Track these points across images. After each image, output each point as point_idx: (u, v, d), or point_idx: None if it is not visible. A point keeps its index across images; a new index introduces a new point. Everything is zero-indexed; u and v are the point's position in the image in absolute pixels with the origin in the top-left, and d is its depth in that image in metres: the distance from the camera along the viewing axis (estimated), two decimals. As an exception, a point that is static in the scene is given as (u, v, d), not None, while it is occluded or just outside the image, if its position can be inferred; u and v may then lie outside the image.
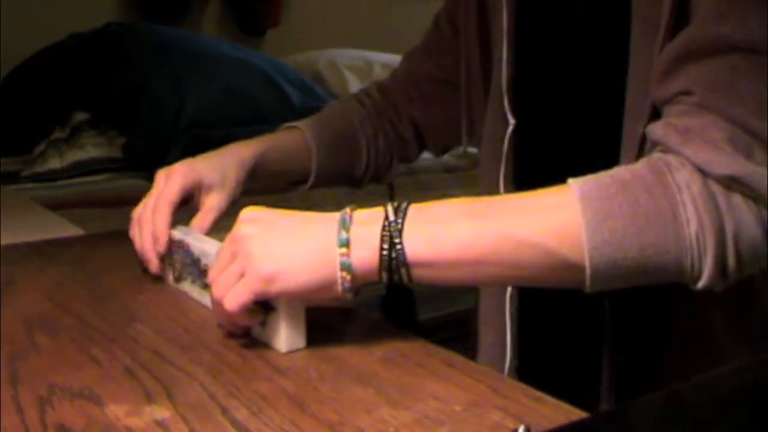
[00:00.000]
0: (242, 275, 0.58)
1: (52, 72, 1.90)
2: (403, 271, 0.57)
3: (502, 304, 0.79)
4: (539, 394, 0.53)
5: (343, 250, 0.57)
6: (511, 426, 0.48)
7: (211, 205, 0.83)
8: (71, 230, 1.05)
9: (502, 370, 0.79)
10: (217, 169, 0.84)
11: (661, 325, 0.72)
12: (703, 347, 0.72)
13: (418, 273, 0.58)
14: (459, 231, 0.57)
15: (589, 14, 0.75)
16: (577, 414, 0.50)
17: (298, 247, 0.58)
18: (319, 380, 0.55)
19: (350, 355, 0.60)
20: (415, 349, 0.61)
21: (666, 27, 0.61)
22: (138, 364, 0.58)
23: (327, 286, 0.58)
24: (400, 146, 0.99)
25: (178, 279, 0.76)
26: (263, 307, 0.61)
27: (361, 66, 2.39)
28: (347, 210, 0.59)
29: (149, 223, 0.79)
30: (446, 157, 1.97)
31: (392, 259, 0.57)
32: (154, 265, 0.78)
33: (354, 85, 2.30)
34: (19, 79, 1.99)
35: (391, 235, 0.57)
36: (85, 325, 0.67)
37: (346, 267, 0.57)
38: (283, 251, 0.58)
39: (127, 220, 0.85)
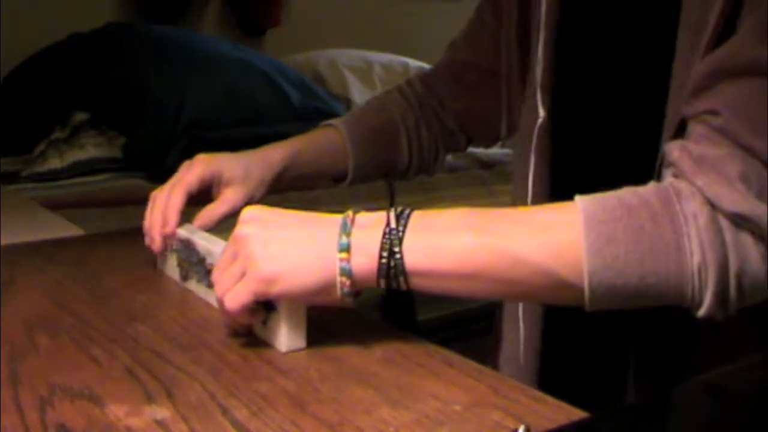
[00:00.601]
0: (243, 275, 0.58)
1: (52, 72, 1.90)
2: (401, 279, 0.57)
3: (525, 314, 0.78)
4: (539, 394, 0.53)
5: (343, 255, 0.57)
6: (511, 426, 0.48)
7: (227, 198, 0.82)
8: (71, 230, 1.05)
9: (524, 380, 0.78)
10: (242, 164, 0.83)
11: (683, 334, 0.71)
12: (726, 354, 0.71)
13: (416, 282, 0.58)
14: (458, 243, 0.57)
15: (635, 12, 0.73)
16: (577, 414, 0.50)
17: (299, 249, 0.58)
18: (319, 380, 0.56)
19: (350, 355, 0.60)
20: (415, 349, 0.61)
21: (709, 39, 0.60)
22: (138, 364, 0.58)
23: (326, 289, 0.58)
24: (445, 137, 0.97)
25: (185, 278, 0.76)
26: (264, 306, 0.61)
27: (361, 66, 2.39)
28: (349, 213, 0.59)
29: (162, 204, 0.79)
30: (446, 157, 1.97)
31: (391, 268, 0.57)
32: (156, 244, 0.78)
33: (354, 85, 2.30)
34: (19, 79, 1.99)
35: (391, 243, 0.57)
36: (85, 325, 0.67)
37: (345, 272, 0.57)
38: (283, 252, 0.58)
39: (127, 220, 0.85)
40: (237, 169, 0.82)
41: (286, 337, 0.60)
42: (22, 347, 0.62)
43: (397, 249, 0.57)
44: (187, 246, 0.75)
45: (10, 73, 2.02)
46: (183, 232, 0.76)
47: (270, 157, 0.85)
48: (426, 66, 2.51)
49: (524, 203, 0.77)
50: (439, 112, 0.96)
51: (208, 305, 0.71)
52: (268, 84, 1.82)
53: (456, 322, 1.80)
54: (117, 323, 0.67)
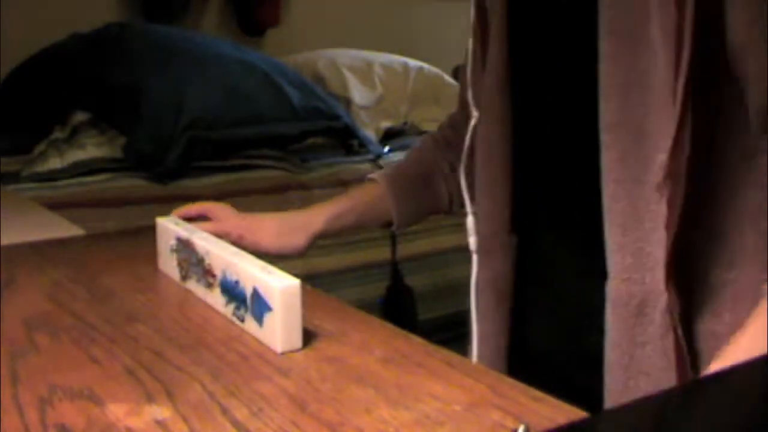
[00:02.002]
0: None
1: (52, 72, 1.90)
2: None
3: (495, 314, 0.80)
4: (539, 394, 0.53)
5: None
6: (511, 426, 0.48)
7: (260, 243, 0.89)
8: (71, 230, 1.05)
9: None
10: (279, 240, 0.90)
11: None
12: None
13: None
14: None
15: (559, 19, 0.76)
16: (577, 414, 0.50)
17: None
18: (319, 380, 0.56)
19: (350, 355, 0.60)
20: (415, 349, 0.61)
21: (679, 47, 0.60)
22: (138, 364, 0.58)
23: None
24: None
25: (185, 278, 0.76)
26: (262, 307, 0.61)
27: (361, 66, 2.39)
28: None
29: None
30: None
31: None
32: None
33: (354, 85, 2.30)
34: (19, 79, 1.99)
35: None
36: (85, 325, 0.67)
37: None
38: None
39: (127, 220, 0.85)
40: (273, 243, 0.89)
41: (282, 338, 0.60)
42: (22, 347, 0.62)
43: None
44: (187, 246, 0.75)
45: (10, 73, 2.02)
46: (183, 233, 0.76)
47: (312, 226, 0.92)
48: (426, 66, 2.51)
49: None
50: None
51: (208, 305, 0.71)
52: (268, 84, 1.82)
53: (456, 322, 1.80)
54: (117, 323, 0.67)
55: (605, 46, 0.66)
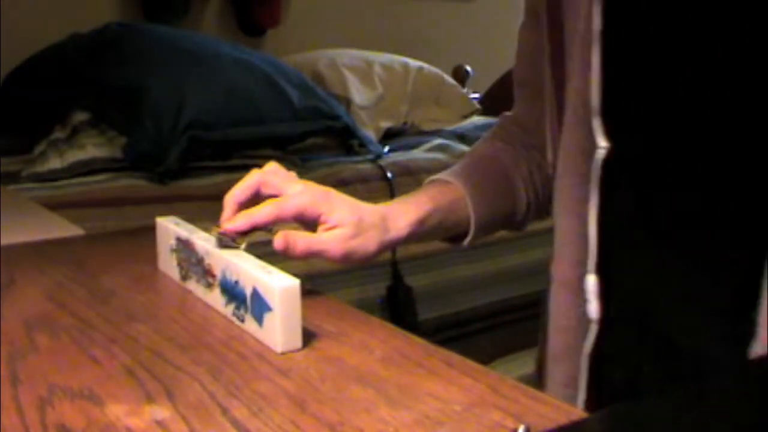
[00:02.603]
0: None
1: (52, 72, 1.90)
2: None
3: (578, 345, 0.70)
4: (539, 394, 0.53)
5: None
6: (511, 426, 0.48)
7: (323, 239, 0.70)
8: (71, 230, 1.05)
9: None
10: (358, 215, 0.72)
11: None
12: None
13: None
14: None
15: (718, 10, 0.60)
16: (577, 414, 0.50)
17: None
18: (319, 380, 0.56)
19: (350, 355, 0.60)
20: (415, 349, 0.61)
21: None
22: (138, 364, 0.58)
23: None
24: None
25: (185, 278, 0.76)
26: (261, 306, 0.61)
27: (361, 66, 2.39)
28: None
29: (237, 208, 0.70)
30: (444, 157, 1.98)
31: None
32: (222, 216, 0.70)
33: (354, 85, 2.30)
34: (19, 79, 1.99)
35: None
36: (85, 325, 0.67)
37: None
38: None
39: (127, 220, 0.85)
40: (344, 224, 0.71)
41: (281, 338, 0.60)
42: (22, 347, 0.62)
43: None
44: (187, 246, 0.75)
45: (10, 73, 2.02)
46: (182, 232, 0.76)
47: (389, 231, 0.74)
48: (426, 66, 2.52)
49: (581, 239, 0.69)
50: (545, 149, 0.86)
51: (208, 305, 0.71)
52: (268, 84, 1.82)
53: (456, 322, 1.80)
54: (117, 323, 0.67)
55: None
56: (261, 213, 0.68)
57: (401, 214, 0.76)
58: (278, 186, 0.71)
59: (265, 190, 0.71)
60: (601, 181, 0.67)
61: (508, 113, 0.93)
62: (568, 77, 0.72)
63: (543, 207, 0.88)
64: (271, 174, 0.71)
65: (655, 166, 0.66)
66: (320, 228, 0.71)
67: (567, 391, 0.72)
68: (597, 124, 0.66)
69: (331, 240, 0.70)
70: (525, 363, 1.86)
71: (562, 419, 0.49)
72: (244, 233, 0.68)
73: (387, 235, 0.74)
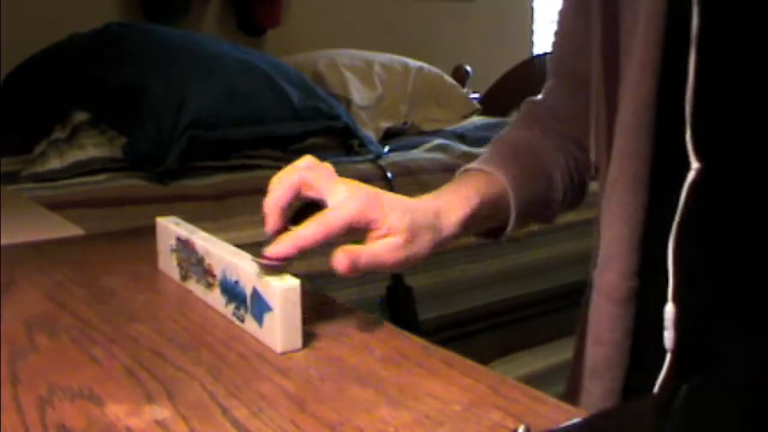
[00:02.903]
0: None
1: (52, 72, 1.90)
2: None
3: (620, 360, 0.68)
4: (539, 394, 0.53)
5: None
6: (511, 426, 0.48)
7: (378, 250, 0.64)
8: (71, 230, 1.05)
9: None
10: (410, 225, 0.65)
11: None
12: None
13: None
14: None
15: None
16: (577, 414, 0.50)
17: None
18: (319, 380, 0.56)
19: (350, 355, 0.60)
20: (415, 349, 0.61)
21: None
22: (138, 364, 0.58)
23: None
24: (588, 167, 0.84)
25: (185, 278, 0.76)
26: (262, 306, 0.61)
27: (361, 66, 2.39)
28: None
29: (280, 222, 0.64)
30: (445, 157, 1.98)
31: None
32: (266, 227, 0.64)
33: (354, 85, 2.30)
34: (19, 79, 1.99)
35: None
36: (85, 325, 0.67)
37: None
38: None
39: (127, 220, 0.84)
40: (399, 229, 0.65)
41: (281, 338, 0.60)
42: (22, 347, 0.62)
43: None
44: (187, 246, 0.75)
45: (10, 73, 2.02)
46: (182, 232, 0.76)
47: (442, 229, 0.69)
48: (426, 66, 2.52)
49: (631, 249, 0.66)
50: (578, 141, 0.84)
51: (208, 305, 0.71)
52: (268, 84, 1.82)
53: (456, 322, 1.80)
54: (117, 323, 0.67)
55: None
56: (307, 235, 0.61)
57: (452, 211, 0.70)
58: (320, 187, 0.64)
59: (306, 192, 0.64)
60: (686, 203, 0.62)
61: (534, 99, 0.89)
62: (622, 76, 0.68)
63: (575, 201, 0.86)
64: (311, 171, 0.65)
65: (745, 189, 0.62)
66: (371, 235, 0.65)
67: (605, 405, 0.69)
68: (689, 140, 0.61)
69: (386, 251, 0.64)
70: (525, 363, 1.87)
71: (562, 419, 0.49)
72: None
73: (440, 235, 0.69)
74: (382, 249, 0.64)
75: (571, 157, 0.84)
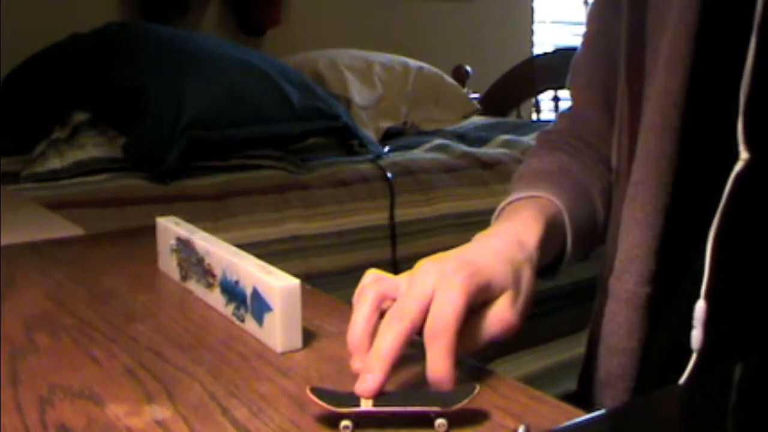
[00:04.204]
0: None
1: (52, 72, 1.90)
2: None
3: (636, 368, 0.66)
4: (539, 394, 0.53)
5: None
6: (511, 426, 0.48)
7: (503, 316, 0.56)
8: (71, 230, 1.05)
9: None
10: (509, 273, 0.58)
11: None
12: None
13: None
14: None
15: None
16: (577, 414, 0.50)
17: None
18: (319, 380, 0.56)
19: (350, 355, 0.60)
20: (416, 349, 0.61)
21: None
22: (138, 364, 0.58)
23: None
24: None
25: (185, 278, 0.76)
26: (263, 307, 0.61)
27: (361, 66, 2.39)
28: None
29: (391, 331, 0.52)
30: (445, 157, 1.98)
31: None
32: (355, 365, 0.53)
33: (354, 85, 2.30)
34: (19, 79, 1.99)
35: None
36: (85, 325, 0.67)
37: None
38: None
39: (127, 220, 0.84)
40: (505, 269, 0.58)
41: (281, 338, 0.60)
42: (22, 347, 0.62)
43: None
44: (187, 246, 0.75)
45: (10, 73, 2.02)
46: (182, 232, 0.76)
47: (527, 247, 0.63)
48: (426, 66, 2.52)
49: (652, 254, 0.65)
50: (610, 161, 0.81)
51: (208, 305, 0.71)
52: (268, 84, 1.82)
53: (456, 322, 1.80)
54: (117, 323, 0.67)
55: None
56: (393, 350, 0.51)
57: (527, 234, 0.64)
58: (396, 290, 0.58)
59: (386, 306, 0.56)
60: (729, 197, 0.59)
61: (549, 128, 0.87)
62: (648, 75, 0.66)
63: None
64: (383, 284, 0.59)
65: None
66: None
67: None
68: (740, 131, 0.58)
69: (503, 318, 0.56)
70: (525, 363, 1.87)
71: (562, 419, 0.49)
72: None
73: (533, 262, 0.62)
74: (497, 318, 0.56)
75: (606, 180, 0.81)
